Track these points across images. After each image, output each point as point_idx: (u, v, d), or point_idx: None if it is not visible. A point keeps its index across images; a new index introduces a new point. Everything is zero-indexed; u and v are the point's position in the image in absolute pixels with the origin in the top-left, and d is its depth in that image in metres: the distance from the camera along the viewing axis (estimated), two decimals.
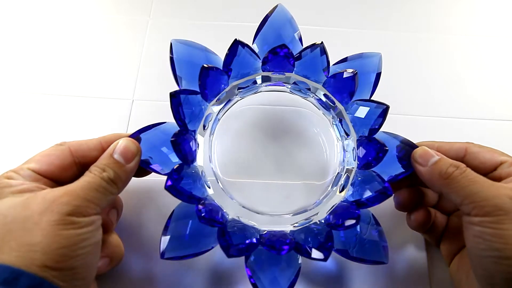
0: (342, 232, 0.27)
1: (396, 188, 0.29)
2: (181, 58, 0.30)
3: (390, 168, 0.28)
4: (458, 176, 0.24)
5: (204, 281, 0.29)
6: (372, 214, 0.28)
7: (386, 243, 0.27)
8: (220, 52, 0.32)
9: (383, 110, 0.29)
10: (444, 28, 0.43)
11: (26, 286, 0.19)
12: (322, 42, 0.31)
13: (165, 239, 0.26)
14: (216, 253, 0.29)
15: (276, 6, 0.32)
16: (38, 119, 0.36)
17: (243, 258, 0.26)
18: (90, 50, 0.40)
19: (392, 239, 0.30)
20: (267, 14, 0.32)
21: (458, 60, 0.41)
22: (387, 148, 0.28)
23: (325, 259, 0.25)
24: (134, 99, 0.38)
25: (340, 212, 0.27)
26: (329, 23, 0.43)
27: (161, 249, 0.25)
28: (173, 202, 0.27)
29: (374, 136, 0.29)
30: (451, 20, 0.44)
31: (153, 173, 0.28)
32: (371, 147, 0.29)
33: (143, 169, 0.27)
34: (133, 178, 0.26)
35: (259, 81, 0.32)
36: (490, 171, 0.26)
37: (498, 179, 0.26)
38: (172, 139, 0.26)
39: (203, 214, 0.25)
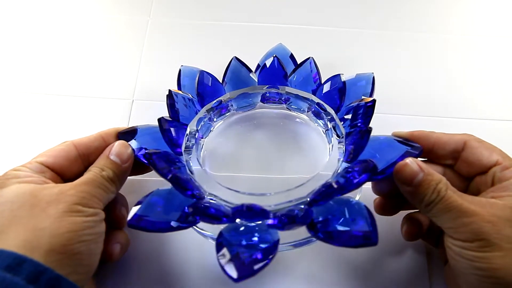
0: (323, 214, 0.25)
1: (378, 192, 0.29)
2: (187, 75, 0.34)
3: (386, 157, 0.27)
4: (438, 202, 0.24)
5: (203, 280, 0.29)
6: (367, 208, 0.25)
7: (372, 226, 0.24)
8: (220, 51, 0.32)
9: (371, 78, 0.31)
10: (444, 28, 0.43)
11: (29, 272, 0.20)
12: (310, 57, 0.34)
13: (135, 208, 0.26)
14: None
15: (277, 44, 0.35)
16: (38, 119, 0.36)
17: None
18: (90, 50, 0.40)
19: (391, 240, 0.30)
20: (268, 51, 0.35)
21: (458, 60, 0.41)
22: (370, 128, 0.27)
23: (305, 224, 0.24)
24: (134, 99, 0.38)
25: (320, 189, 0.26)
26: (329, 23, 0.43)
27: (129, 216, 0.25)
28: None
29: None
30: (451, 20, 0.44)
31: (149, 174, 0.30)
32: (356, 133, 0.28)
33: (141, 167, 0.29)
34: (131, 178, 0.27)
35: (254, 94, 0.34)
36: (484, 170, 0.26)
37: (490, 183, 0.25)
38: (159, 118, 0.28)
39: (171, 176, 0.25)
